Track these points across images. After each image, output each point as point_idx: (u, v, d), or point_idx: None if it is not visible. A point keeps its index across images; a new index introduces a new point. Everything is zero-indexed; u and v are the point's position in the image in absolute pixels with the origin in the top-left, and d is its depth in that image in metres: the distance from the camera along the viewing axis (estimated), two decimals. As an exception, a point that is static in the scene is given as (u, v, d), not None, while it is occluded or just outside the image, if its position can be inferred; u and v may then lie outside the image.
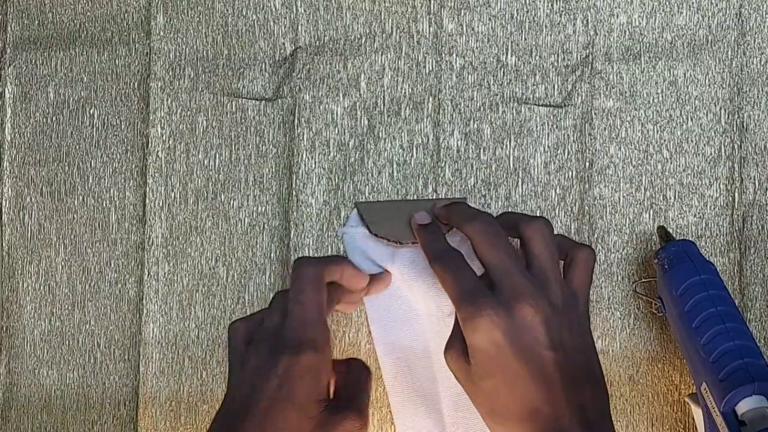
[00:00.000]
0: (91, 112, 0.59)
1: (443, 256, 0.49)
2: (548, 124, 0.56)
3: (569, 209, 0.55)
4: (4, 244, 0.59)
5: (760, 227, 0.55)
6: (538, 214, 0.55)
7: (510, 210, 0.55)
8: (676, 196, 0.55)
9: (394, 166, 0.56)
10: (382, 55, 0.57)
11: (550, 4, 0.56)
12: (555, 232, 0.49)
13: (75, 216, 0.58)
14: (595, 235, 0.55)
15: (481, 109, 0.56)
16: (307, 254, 0.56)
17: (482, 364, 0.45)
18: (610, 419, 0.46)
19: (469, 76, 0.56)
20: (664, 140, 0.55)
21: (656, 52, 0.56)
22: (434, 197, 0.56)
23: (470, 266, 0.48)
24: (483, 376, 0.46)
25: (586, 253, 0.48)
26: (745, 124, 0.55)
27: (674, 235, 0.54)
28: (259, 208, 0.57)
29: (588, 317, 0.48)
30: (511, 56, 0.56)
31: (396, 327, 0.55)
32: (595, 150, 0.56)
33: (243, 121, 0.57)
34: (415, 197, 0.56)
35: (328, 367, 0.47)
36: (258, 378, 0.46)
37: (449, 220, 0.52)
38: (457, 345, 0.47)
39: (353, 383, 0.49)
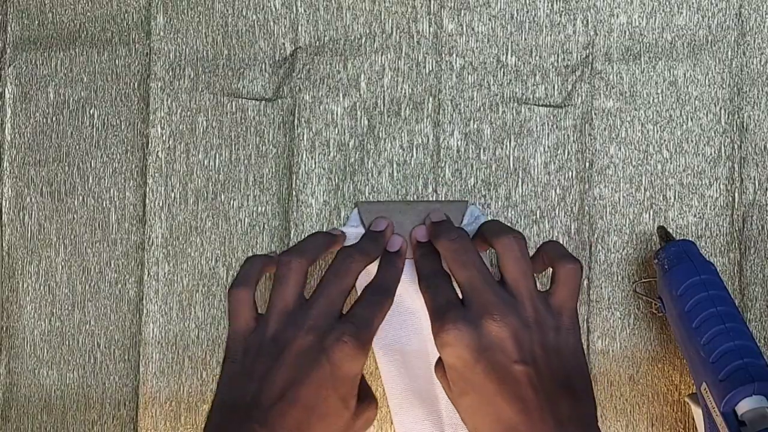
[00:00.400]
0: (91, 112, 0.59)
1: (429, 276, 0.49)
2: (548, 124, 0.56)
3: (569, 209, 0.55)
4: (4, 244, 0.59)
5: (760, 227, 0.55)
6: (538, 220, 0.55)
7: (510, 209, 0.55)
8: (676, 196, 0.55)
9: (394, 166, 0.56)
10: (382, 55, 0.57)
11: (550, 5, 0.56)
12: (551, 238, 0.48)
13: (75, 216, 0.58)
14: (595, 235, 0.55)
15: (481, 109, 0.56)
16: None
17: (456, 381, 0.45)
18: (596, 426, 0.45)
19: (469, 76, 0.56)
20: (664, 140, 0.55)
21: (656, 52, 0.56)
22: (434, 197, 0.56)
23: (451, 286, 0.48)
24: (459, 394, 0.46)
25: (568, 269, 0.47)
26: (745, 124, 0.55)
27: (674, 235, 0.54)
28: (259, 208, 0.57)
29: (575, 332, 0.47)
30: (511, 56, 0.56)
31: (394, 329, 0.55)
32: (595, 150, 0.56)
33: (243, 121, 0.57)
34: (415, 197, 0.56)
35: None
36: (305, 361, 0.45)
37: (432, 239, 0.52)
38: (441, 364, 0.47)
39: (363, 378, 0.49)
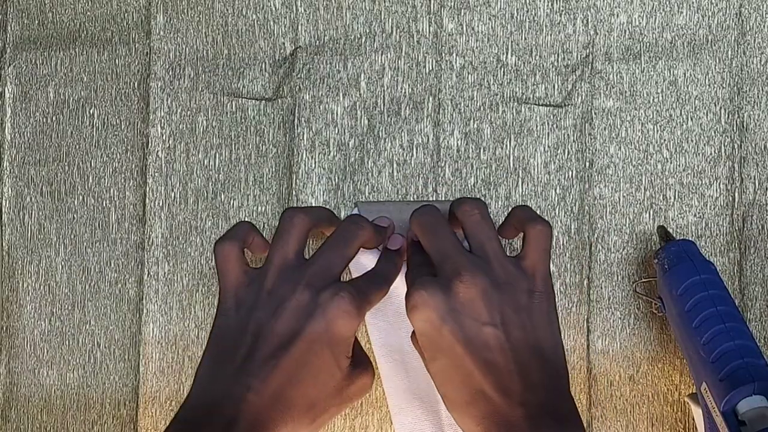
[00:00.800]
0: (91, 112, 0.59)
1: (414, 266, 0.50)
2: (548, 123, 0.56)
3: (569, 209, 0.55)
4: (4, 244, 0.59)
5: (760, 227, 0.55)
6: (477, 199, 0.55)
7: (510, 209, 0.55)
8: (676, 196, 0.55)
9: (394, 165, 0.56)
10: (382, 55, 0.57)
11: (550, 4, 0.56)
12: (521, 204, 0.48)
13: (75, 216, 0.58)
14: (595, 235, 0.55)
15: (481, 108, 0.56)
16: (307, 254, 0.56)
17: (426, 347, 0.45)
18: (569, 400, 0.44)
19: (469, 75, 0.56)
20: (664, 140, 0.55)
21: (656, 52, 0.56)
22: (434, 197, 0.56)
23: (430, 271, 0.47)
24: (430, 359, 0.45)
25: (537, 230, 0.47)
26: (745, 124, 0.55)
27: (674, 235, 0.54)
28: (259, 208, 0.57)
29: (548, 296, 0.46)
30: (511, 56, 0.56)
31: (394, 329, 0.55)
32: (595, 150, 0.56)
33: (243, 121, 0.57)
34: (415, 197, 0.56)
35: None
36: (301, 316, 0.44)
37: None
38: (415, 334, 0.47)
39: (359, 346, 0.49)
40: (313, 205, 0.56)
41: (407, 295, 0.45)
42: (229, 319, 0.46)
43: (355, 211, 0.55)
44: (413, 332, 0.47)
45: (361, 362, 0.47)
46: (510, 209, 0.50)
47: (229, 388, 0.43)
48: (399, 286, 0.54)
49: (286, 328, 0.44)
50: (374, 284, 0.48)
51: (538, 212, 0.55)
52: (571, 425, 0.43)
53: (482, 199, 0.56)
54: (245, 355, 0.44)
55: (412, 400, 0.54)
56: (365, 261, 0.53)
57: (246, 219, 0.57)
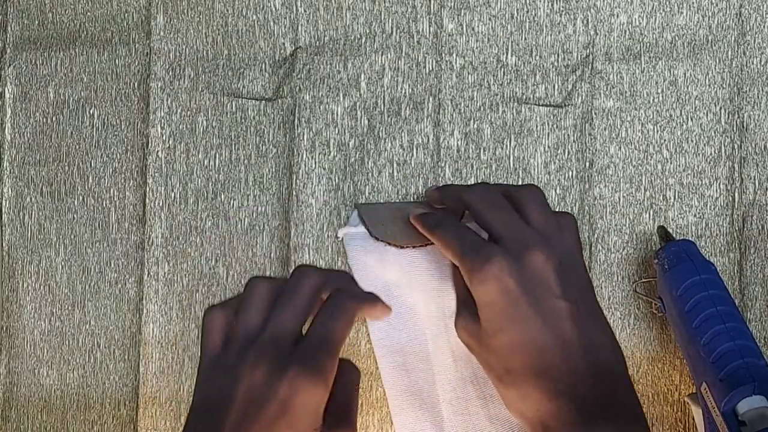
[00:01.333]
0: (91, 112, 0.59)
1: (442, 223, 0.48)
2: (548, 124, 0.56)
3: (569, 209, 0.55)
4: (4, 244, 0.59)
5: (760, 227, 0.55)
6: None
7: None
8: (676, 196, 0.55)
9: (394, 166, 0.56)
10: (382, 55, 0.57)
11: (550, 4, 0.56)
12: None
13: (75, 216, 0.58)
14: (595, 235, 0.55)
15: (481, 109, 0.56)
16: (307, 254, 0.56)
17: (493, 319, 0.44)
18: (629, 379, 0.44)
19: (469, 76, 0.56)
20: (664, 140, 0.55)
21: (656, 52, 0.56)
22: (434, 197, 0.56)
23: (472, 230, 0.47)
24: (494, 332, 0.44)
25: (567, 218, 0.48)
26: (745, 124, 0.55)
27: (674, 235, 0.54)
28: (259, 208, 0.57)
29: (589, 278, 0.47)
30: (511, 56, 0.56)
31: (395, 330, 0.54)
32: (595, 150, 0.56)
33: (243, 121, 0.57)
34: (415, 197, 0.56)
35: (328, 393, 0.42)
36: (254, 398, 0.41)
37: (445, 200, 0.51)
38: (466, 310, 0.45)
39: (345, 393, 0.45)
40: (313, 206, 0.56)
41: (474, 263, 0.44)
42: (200, 393, 0.43)
43: (354, 214, 0.55)
44: (458, 318, 0.46)
45: (336, 424, 0.43)
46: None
47: None
48: (400, 285, 0.54)
49: (240, 413, 0.41)
50: (334, 326, 0.43)
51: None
52: (631, 414, 0.43)
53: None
54: None
55: (413, 401, 0.54)
56: (367, 274, 0.53)
57: (246, 219, 0.57)
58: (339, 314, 0.43)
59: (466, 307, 0.46)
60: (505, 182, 0.56)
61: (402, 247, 0.53)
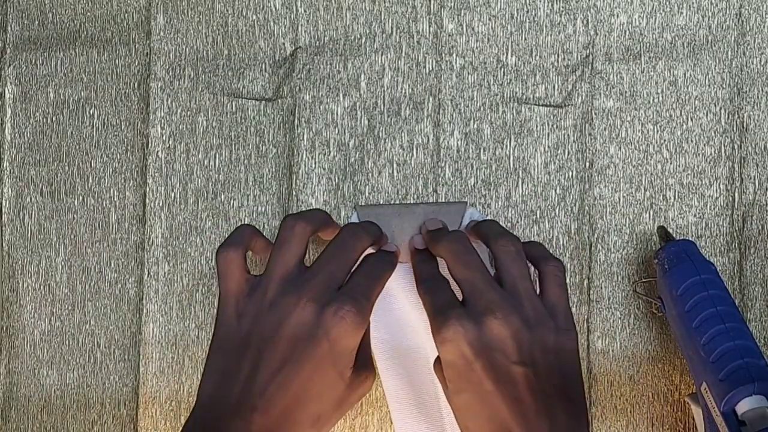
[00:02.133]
0: (91, 112, 0.59)
1: (427, 279, 0.49)
2: (548, 124, 0.56)
3: (569, 209, 0.55)
4: (4, 244, 0.59)
5: (760, 227, 0.55)
6: (538, 219, 0.55)
7: (510, 209, 0.55)
8: (676, 196, 0.55)
9: (394, 166, 0.56)
10: (382, 55, 0.57)
11: (550, 4, 0.56)
12: (551, 238, 0.49)
13: (75, 216, 0.58)
14: (595, 235, 0.55)
15: (481, 109, 0.56)
16: (307, 253, 0.56)
17: (453, 379, 0.45)
18: None
19: (469, 76, 0.56)
20: (664, 140, 0.55)
21: (656, 52, 0.56)
22: (434, 197, 0.56)
23: (450, 289, 0.47)
24: (455, 391, 0.45)
25: (552, 266, 0.48)
26: (745, 124, 0.55)
27: (674, 235, 0.54)
28: (259, 208, 0.57)
29: (571, 334, 0.46)
30: (511, 56, 0.56)
31: (394, 331, 0.54)
32: (595, 150, 0.56)
33: (243, 121, 0.57)
34: (415, 197, 0.56)
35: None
36: (304, 333, 0.44)
37: (429, 246, 0.52)
38: (439, 361, 0.47)
39: (366, 341, 0.49)
40: (313, 206, 0.56)
41: (437, 324, 0.45)
42: (231, 328, 0.46)
43: (354, 216, 0.55)
44: (437, 360, 0.47)
45: (363, 367, 0.48)
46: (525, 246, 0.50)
47: (234, 407, 0.44)
48: (399, 296, 0.54)
49: (288, 348, 0.44)
50: (378, 274, 0.48)
51: (538, 213, 0.55)
52: None
53: (481, 201, 0.56)
54: (249, 371, 0.44)
55: (416, 413, 0.54)
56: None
57: (246, 219, 0.57)
58: (380, 271, 0.48)
59: (439, 360, 0.47)
60: (504, 183, 0.56)
61: (402, 262, 0.53)
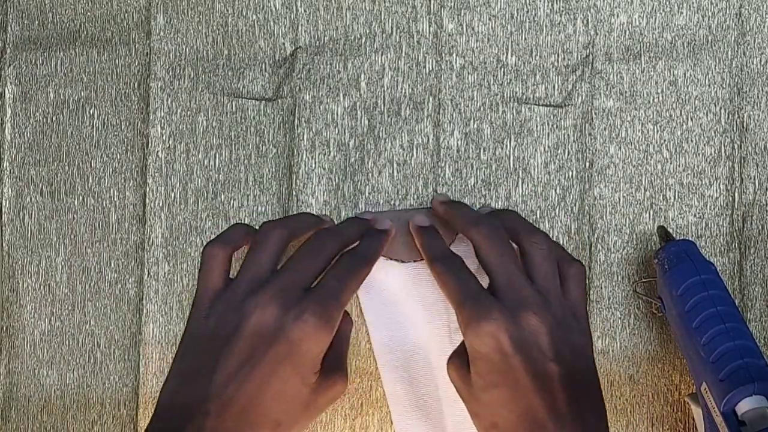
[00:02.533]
0: (91, 112, 0.59)
1: (443, 257, 0.48)
2: (548, 124, 0.56)
3: (569, 209, 0.55)
4: (4, 244, 0.59)
5: (760, 227, 0.55)
6: (538, 220, 0.55)
7: (510, 209, 0.55)
8: (676, 196, 0.55)
9: (394, 166, 0.56)
10: (382, 55, 0.57)
11: (550, 4, 0.56)
12: (551, 238, 0.49)
13: (75, 216, 0.58)
14: (595, 235, 0.55)
15: (481, 109, 0.56)
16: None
17: (485, 373, 0.44)
18: None
19: (469, 76, 0.56)
20: (664, 140, 0.55)
21: (656, 52, 0.56)
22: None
23: (473, 274, 0.47)
24: (486, 386, 0.44)
25: (576, 269, 0.48)
26: (745, 124, 0.55)
27: (674, 235, 0.54)
28: (259, 208, 0.57)
29: (589, 334, 0.47)
30: (511, 56, 0.56)
31: (398, 344, 0.54)
32: (595, 150, 0.56)
33: (243, 121, 0.57)
34: (415, 197, 0.56)
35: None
36: (264, 335, 0.44)
37: (452, 221, 0.51)
38: (458, 357, 0.46)
39: (339, 343, 0.49)
40: (313, 206, 0.56)
41: (471, 314, 0.44)
42: (199, 326, 0.46)
43: None
44: (453, 356, 0.46)
45: (332, 371, 0.47)
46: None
47: (191, 409, 0.43)
48: (402, 299, 0.54)
49: (246, 350, 0.44)
50: (352, 274, 0.47)
51: (538, 213, 0.55)
52: None
53: (481, 201, 0.56)
54: (207, 372, 0.44)
55: (418, 416, 0.54)
56: (375, 281, 0.53)
57: (246, 219, 0.57)
58: (352, 272, 0.47)
59: (459, 355, 0.46)
60: (504, 183, 0.56)
61: (403, 261, 0.53)
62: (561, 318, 0.45)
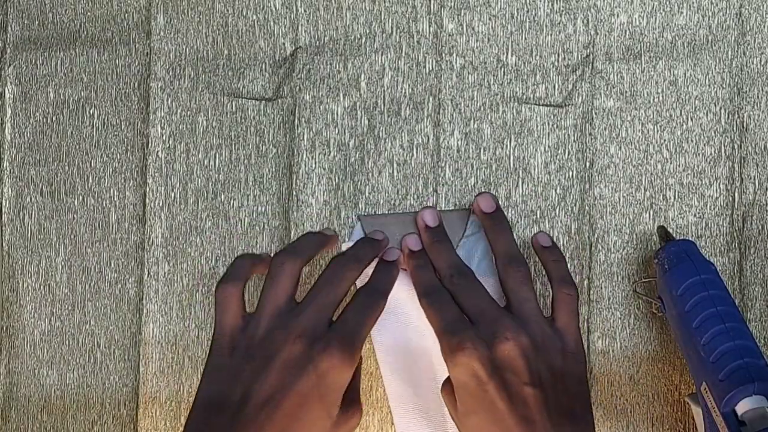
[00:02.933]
0: (91, 112, 0.59)
1: (430, 292, 0.50)
2: (548, 123, 0.56)
3: (569, 209, 0.55)
4: (4, 244, 0.59)
5: (760, 227, 0.55)
6: (538, 219, 0.55)
7: (510, 209, 0.55)
8: (676, 196, 0.55)
9: (394, 166, 0.56)
10: (382, 55, 0.57)
11: (550, 4, 0.56)
12: (552, 238, 0.51)
13: (75, 216, 0.58)
14: (595, 235, 0.55)
15: (482, 108, 0.56)
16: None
17: (465, 400, 0.46)
18: None
19: (469, 75, 0.56)
20: (664, 140, 0.55)
21: (656, 52, 0.56)
22: (434, 197, 0.56)
23: (454, 303, 0.48)
24: (466, 413, 0.46)
25: (566, 293, 0.49)
26: (745, 124, 0.55)
27: (674, 235, 0.54)
28: (259, 208, 0.57)
29: (579, 357, 0.48)
30: (512, 56, 0.56)
31: (401, 349, 0.54)
32: (596, 150, 0.56)
33: (243, 121, 0.57)
34: (415, 197, 0.56)
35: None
36: (293, 367, 0.45)
37: (429, 253, 0.52)
38: (449, 383, 0.47)
39: (354, 377, 0.49)
40: (313, 206, 0.56)
41: (449, 345, 0.46)
42: (223, 359, 0.47)
43: (358, 225, 0.55)
44: (445, 382, 0.48)
45: (351, 404, 0.48)
46: (545, 255, 0.51)
47: None
48: (406, 304, 0.54)
49: (277, 381, 0.45)
50: (369, 308, 0.48)
51: (538, 213, 0.55)
52: None
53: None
54: (237, 405, 0.45)
55: (419, 419, 0.54)
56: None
57: (246, 219, 0.57)
58: (370, 308, 0.48)
59: (449, 381, 0.47)
60: (504, 183, 0.56)
61: (405, 270, 0.53)
62: (540, 340, 0.46)
